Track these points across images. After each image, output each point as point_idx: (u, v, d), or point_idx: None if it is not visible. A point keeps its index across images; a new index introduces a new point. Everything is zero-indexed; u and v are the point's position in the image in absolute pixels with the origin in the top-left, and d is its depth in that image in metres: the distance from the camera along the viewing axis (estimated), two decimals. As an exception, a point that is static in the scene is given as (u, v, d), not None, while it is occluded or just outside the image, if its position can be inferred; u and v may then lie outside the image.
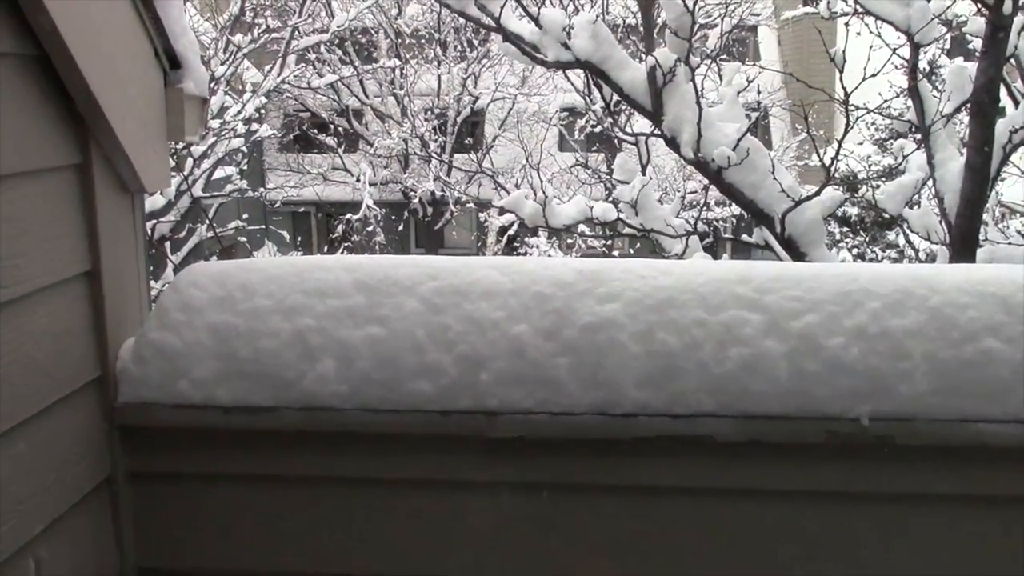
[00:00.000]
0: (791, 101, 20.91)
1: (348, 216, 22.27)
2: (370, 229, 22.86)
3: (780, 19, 26.95)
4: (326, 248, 22.42)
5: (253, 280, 1.70)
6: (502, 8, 4.27)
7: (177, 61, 1.80)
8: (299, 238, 21.36)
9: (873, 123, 16.95)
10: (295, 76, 17.71)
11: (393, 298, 1.67)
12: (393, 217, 24.68)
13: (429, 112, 25.04)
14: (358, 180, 22.89)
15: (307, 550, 1.68)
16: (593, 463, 1.66)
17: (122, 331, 1.69)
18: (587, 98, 11.40)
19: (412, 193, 24.98)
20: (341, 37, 21.90)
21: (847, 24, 4.79)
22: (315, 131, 25.41)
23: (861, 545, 1.64)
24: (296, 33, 15.63)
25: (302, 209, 24.06)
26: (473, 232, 26.40)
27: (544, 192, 4.77)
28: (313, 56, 23.19)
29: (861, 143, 17.31)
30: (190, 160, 10.66)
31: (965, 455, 1.61)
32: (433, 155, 24.28)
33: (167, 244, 10.67)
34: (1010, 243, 4.68)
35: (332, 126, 25.67)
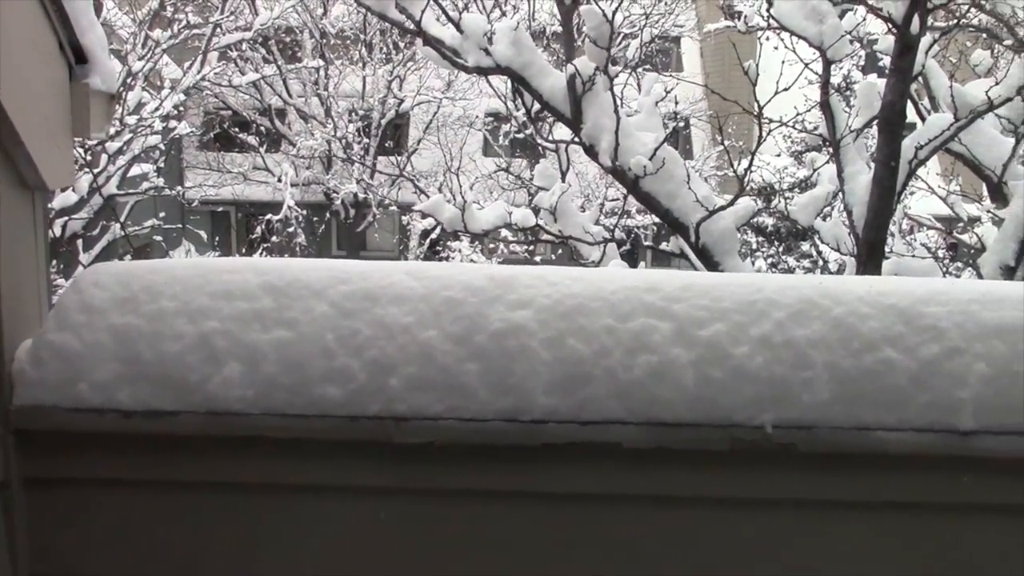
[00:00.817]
0: (711, 112, 21.29)
1: (268, 216, 21.99)
2: (291, 230, 22.61)
3: (702, 31, 27.45)
4: (245, 248, 22.08)
5: (158, 281, 1.66)
6: (423, 12, 4.27)
7: (84, 56, 1.76)
8: (217, 238, 21.00)
9: (789, 135, 17.33)
10: (216, 73, 17.46)
11: (302, 301, 1.65)
12: (315, 218, 24.45)
13: (353, 113, 24.89)
14: (279, 180, 22.63)
15: (208, 556, 1.65)
16: (502, 469, 1.66)
17: (19, 332, 1.63)
18: (507, 104, 11.43)
19: (334, 195, 24.80)
20: (265, 35, 21.63)
21: (765, 38, 4.90)
22: (236, 130, 25.06)
23: (764, 551, 1.67)
24: (218, 30, 15.40)
25: (221, 209, 23.66)
26: (396, 235, 26.31)
27: (463, 197, 4.77)
28: (235, 54, 22.87)
29: (778, 155, 17.69)
30: (104, 157, 10.40)
31: (864, 462, 1.65)
32: (356, 157, 24.12)
33: (79, 242, 10.39)
34: (914, 256, 4.82)
35: (254, 125, 25.35)
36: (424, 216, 5.31)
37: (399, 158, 24.35)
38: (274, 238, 22.37)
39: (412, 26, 4.34)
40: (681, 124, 25.34)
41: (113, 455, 1.62)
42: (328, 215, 25.19)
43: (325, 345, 1.61)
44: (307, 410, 1.59)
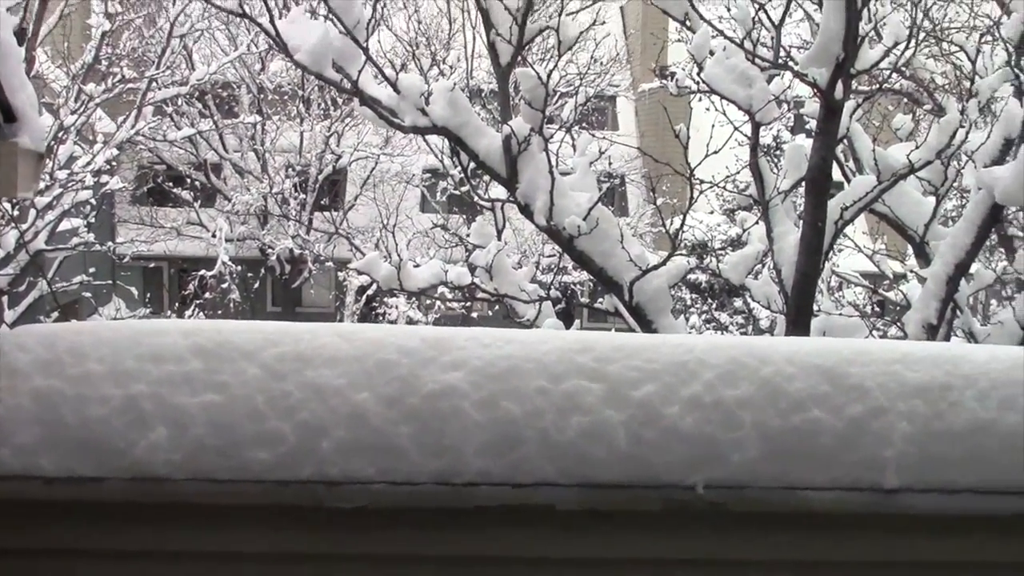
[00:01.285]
0: (646, 170, 21.64)
1: (202, 272, 21.68)
2: (225, 286, 22.32)
3: (637, 91, 27.97)
4: (177, 305, 21.71)
5: (84, 343, 1.63)
6: (360, 72, 4.30)
7: (13, 115, 1.74)
8: (149, 294, 20.62)
9: (722, 194, 17.67)
10: (151, 128, 17.29)
11: (233, 364, 1.63)
12: (249, 274, 24.16)
13: (290, 169, 24.79)
14: (214, 236, 22.37)
15: (133, 628, 1.60)
16: (434, 533, 1.64)
17: (-63, 395, 1.59)
18: (443, 162, 11.52)
19: (270, 250, 24.59)
20: (201, 90, 21.50)
21: (698, 99, 5.02)
22: (170, 184, 24.76)
23: (696, 611, 1.67)
24: (154, 84, 15.28)
25: (153, 264, 23.26)
26: (332, 291, 26.11)
27: (399, 255, 4.77)
28: (171, 108, 22.70)
29: (712, 212, 18.02)
30: (32, 212, 10.21)
31: (793, 521, 1.68)
32: (292, 213, 23.99)
33: (4, 299, 10.14)
34: (841, 313, 4.93)
35: (189, 180, 25.09)
36: (360, 273, 5.29)
37: (336, 214, 24.28)
38: (207, 294, 22.05)
39: (349, 85, 4.37)
40: (617, 182, 25.71)
41: (35, 524, 1.57)
42: (263, 271, 24.93)
43: (255, 408, 1.59)
44: (236, 475, 1.56)
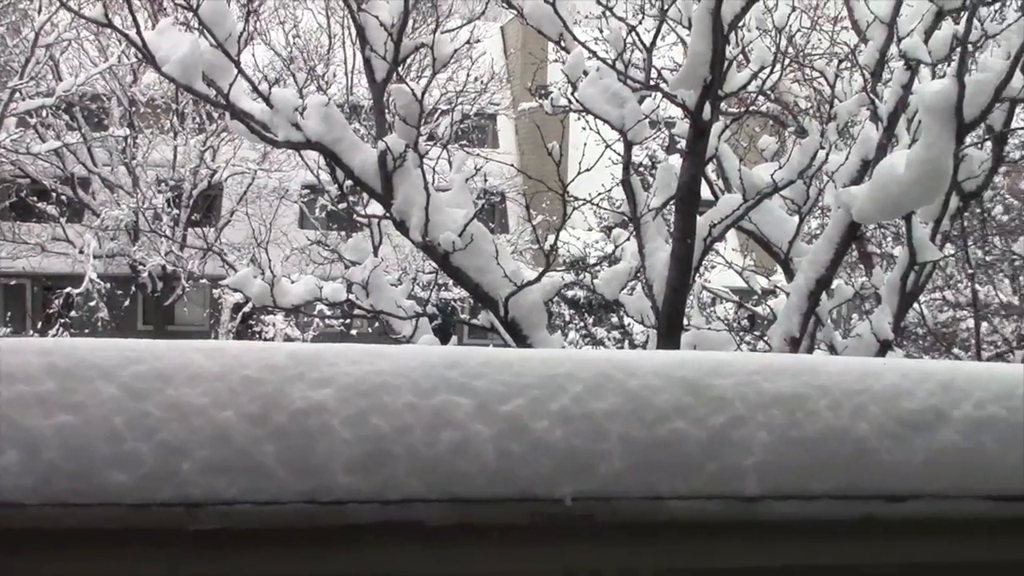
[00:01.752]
0: (526, 187, 21.86)
1: (68, 290, 20.85)
2: (93, 304, 21.50)
3: (517, 110, 28.26)
4: (41, 324, 20.82)
5: (-73, 364, 1.55)
6: (231, 85, 4.22)
7: None
8: (10, 313, 19.71)
9: (599, 212, 17.98)
10: (13, 140, 16.59)
11: (89, 384, 1.57)
12: (119, 292, 23.36)
13: (163, 184, 24.12)
14: (81, 252, 21.56)
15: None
16: (301, 553, 1.62)
17: None
18: (319, 178, 11.40)
19: (141, 267, 23.85)
20: (69, 102, 20.75)
21: (576, 119, 5.10)
22: (35, 199, 23.76)
23: (565, 623, 1.69)
24: (16, 95, 14.68)
25: (15, 282, 22.28)
26: (206, 309, 25.50)
27: (272, 271, 4.69)
28: (36, 120, 21.82)
29: (590, 230, 18.33)
30: None
31: (658, 530, 1.71)
32: (165, 228, 23.34)
33: None
34: (710, 328, 5.07)
35: (55, 194, 24.12)
36: (235, 290, 5.18)
37: (211, 230, 23.72)
38: (73, 312, 21.21)
39: (220, 99, 4.28)
40: (497, 199, 25.89)
41: None
42: (134, 288, 24.15)
43: (112, 429, 1.54)
44: (91, 499, 1.51)
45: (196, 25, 4.34)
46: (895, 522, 1.81)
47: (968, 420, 1.83)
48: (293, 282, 5.19)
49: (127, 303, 23.67)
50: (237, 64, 4.25)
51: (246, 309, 21.70)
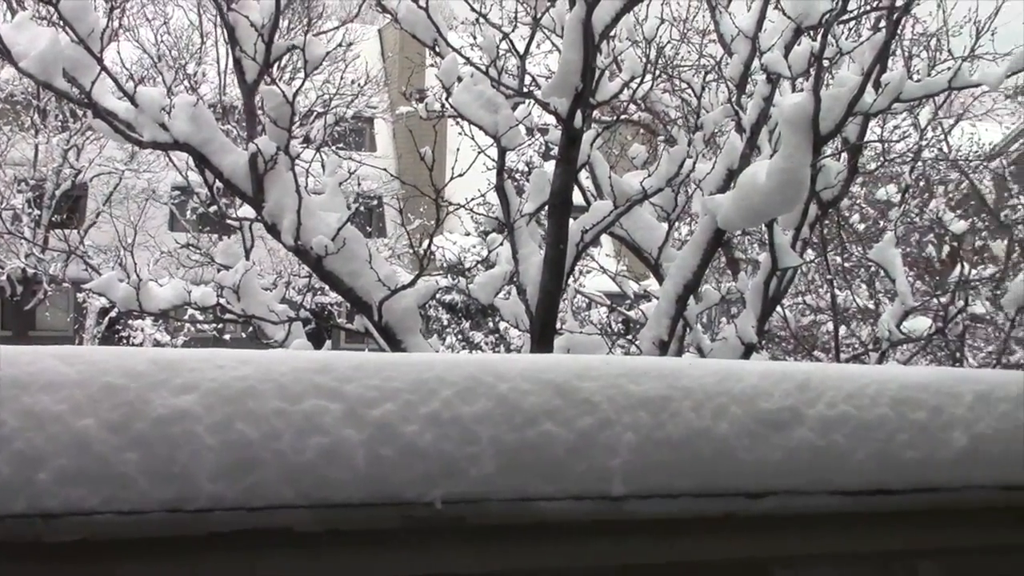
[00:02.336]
0: (403, 191, 21.77)
1: (-83, 294, 19.76)
2: (-58, 309, 20.43)
3: (395, 113, 28.10)
4: None
5: None
6: (93, 83, 4.07)
7: None
8: None
9: (476, 217, 18.03)
10: None
11: (-64, 393, 1.51)
12: (-26, 296, 22.24)
13: (23, 183, 23.06)
14: (-69, 254, 20.45)
15: None
16: (166, 563, 1.58)
17: None
18: (187, 179, 11.10)
19: (-1, 270, 22.73)
20: (-82, 96, 19.66)
21: (454, 123, 5.11)
22: None
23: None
24: None
25: None
26: (70, 314, 24.52)
27: (138, 275, 4.56)
28: None
29: (467, 234, 18.37)
30: None
31: (528, 532, 1.74)
32: (25, 230, 22.32)
33: None
34: (583, 332, 5.16)
35: (-102, 194, 22.81)
36: (100, 294, 5.01)
37: (75, 232, 22.83)
38: (-79, 319, 20.10)
39: (82, 97, 4.14)
40: (375, 203, 25.70)
41: None
42: (-9, 292, 23.05)
43: (-38, 440, 1.47)
44: (-60, 513, 1.44)
45: (57, 20, 4.19)
46: (754, 518, 1.88)
47: (821, 419, 1.92)
48: (161, 286, 5.05)
49: (-17, 308, 22.58)
50: (100, 61, 4.11)
51: (113, 314, 20.96)
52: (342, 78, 19.17)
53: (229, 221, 5.97)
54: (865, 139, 6.05)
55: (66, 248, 20.34)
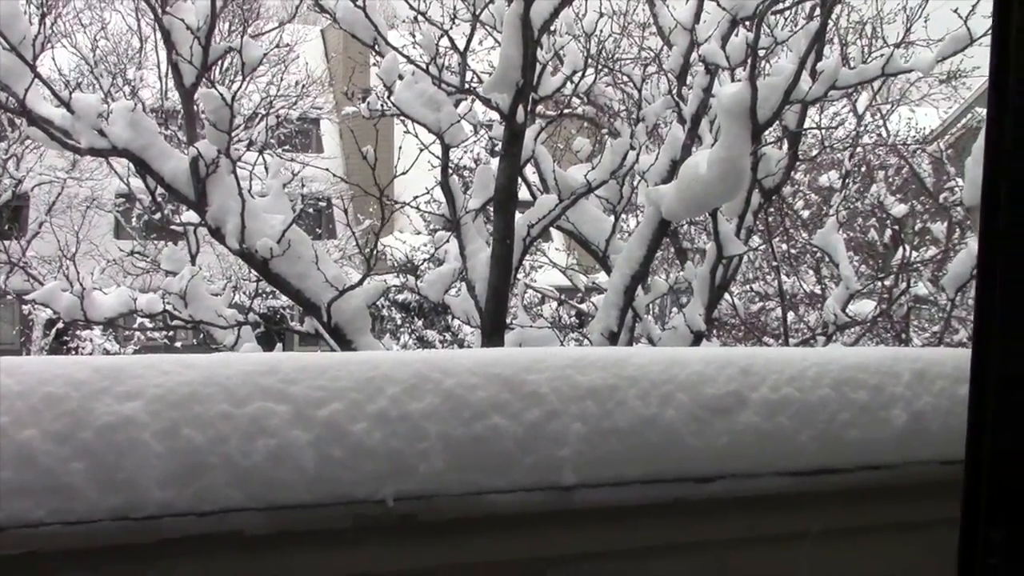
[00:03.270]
0: (351, 192, 21.64)
1: None
2: None
3: (341, 114, 27.89)
4: None
5: None
6: (27, 90, 4.01)
7: None
8: None
9: (425, 215, 17.99)
10: None
11: None
12: (-86, 312, 21.75)
13: (-39, 194, 22.53)
14: None
15: None
16: (116, 572, 1.57)
17: None
18: (129, 185, 10.96)
19: (-62, 284, 22.23)
20: None
21: (390, 123, 5.09)
22: None
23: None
24: None
25: None
26: (16, 326, 24.05)
27: (81, 284, 4.49)
28: None
29: (418, 233, 18.33)
30: None
31: (480, 525, 1.75)
32: (-36, 242, 21.82)
33: None
34: (534, 325, 5.18)
35: None
36: (44, 305, 4.94)
37: (16, 242, 22.38)
38: None
39: (15, 105, 4.06)
40: (323, 204, 25.52)
41: None
42: (-69, 307, 22.53)
43: (-100, 455, 1.45)
44: None
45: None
46: (703, 502, 1.91)
47: (765, 402, 1.96)
48: (106, 294, 4.98)
49: (-77, 324, 22.06)
50: (33, 68, 4.04)
51: (60, 325, 20.59)
52: (283, 79, 18.99)
53: (174, 227, 5.90)
54: (804, 127, 6.14)
55: (8, 260, 19.96)
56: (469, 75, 5.33)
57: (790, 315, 9.38)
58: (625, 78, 7.30)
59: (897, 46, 5.63)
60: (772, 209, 8.42)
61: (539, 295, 10.30)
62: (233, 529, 1.59)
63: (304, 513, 1.63)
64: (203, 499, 1.58)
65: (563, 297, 8.06)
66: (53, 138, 4.16)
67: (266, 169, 4.82)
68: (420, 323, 19.02)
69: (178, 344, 19.17)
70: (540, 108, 6.19)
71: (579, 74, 5.32)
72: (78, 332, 21.05)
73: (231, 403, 1.64)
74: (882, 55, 5.21)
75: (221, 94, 4.03)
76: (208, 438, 1.60)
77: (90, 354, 20.34)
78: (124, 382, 1.61)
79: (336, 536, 1.67)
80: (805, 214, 11.60)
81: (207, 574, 1.62)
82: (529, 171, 5.68)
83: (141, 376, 1.63)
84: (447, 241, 5.31)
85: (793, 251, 10.81)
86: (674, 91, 5.65)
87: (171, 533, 1.56)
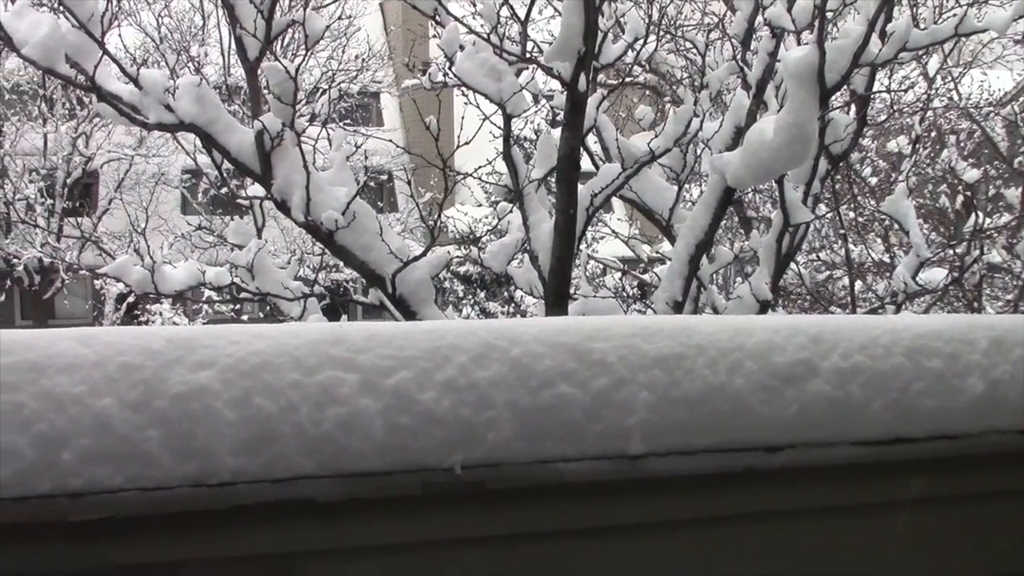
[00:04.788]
0: (412, 165, 21.75)
1: (-64, 288, 19.90)
2: (-37, 301, 20.57)
3: (400, 87, 27.99)
4: (-93, 324, 19.88)
5: None
6: (96, 67, 4.08)
7: None
8: None
9: (486, 187, 18.02)
10: None
11: (-42, 378, 1.52)
12: (-8, 288, 22.38)
13: (34, 173, 23.14)
14: (-51, 247, 20.57)
15: None
16: (192, 537, 1.60)
17: None
18: (196, 161, 11.13)
19: (15, 261, 22.88)
20: (-75, 91, 19.73)
21: (459, 94, 5.08)
22: None
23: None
24: None
25: None
26: (88, 300, 24.67)
27: (152, 257, 4.58)
28: None
29: (479, 205, 18.37)
30: None
31: (547, 493, 1.75)
32: (39, 220, 22.43)
33: None
34: (597, 296, 5.16)
35: (-86, 187, 22.92)
36: (116, 279, 5.05)
37: (88, 219, 22.92)
38: (-57, 311, 20.27)
39: (86, 82, 4.14)
40: (384, 177, 25.68)
41: None
42: (9, 283, 23.17)
43: (-15, 423, 1.49)
44: (-33, 495, 1.46)
45: (57, 6, 4.19)
46: (772, 471, 1.89)
47: (836, 370, 1.93)
48: (175, 268, 5.07)
49: (2, 299, 22.72)
50: (102, 45, 4.11)
51: (130, 299, 21.09)
52: (344, 53, 19.10)
53: (240, 201, 5.98)
54: (873, 90, 5.99)
55: (80, 235, 20.44)
56: (530, 45, 5.29)
57: (857, 284, 9.22)
58: (688, 44, 7.19)
59: (971, 5, 5.44)
60: (839, 176, 8.26)
61: (600, 266, 10.26)
62: (305, 496, 1.61)
63: (374, 480, 1.65)
64: (275, 466, 1.60)
65: (625, 267, 8.01)
66: (122, 114, 4.23)
67: (329, 142, 4.85)
68: (482, 295, 19.09)
69: (244, 317, 19.53)
70: (601, 77, 6.13)
71: (641, 41, 5.25)
72: (148, 306, 21.51)
73: (301, 372, 1.66)
74: (954, 15, 5.05)
75: (285, 67, 4.06)
76: (279, 406, 1.62)
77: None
78: (196, 352, 1.64)
79: (406, 503, 1.68)
80: (873, 181, 11.37)
81: (280, 540, 1.64)
82: (591, 141, 5.64)
83: (212, 346, 1.66)
84: (510, 212, 5.30)
85: (860, 219, 10.60)
86: (738, 56, 5.55)
87: (245, 499, 1.59)
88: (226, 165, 4.92)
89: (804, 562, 1.92)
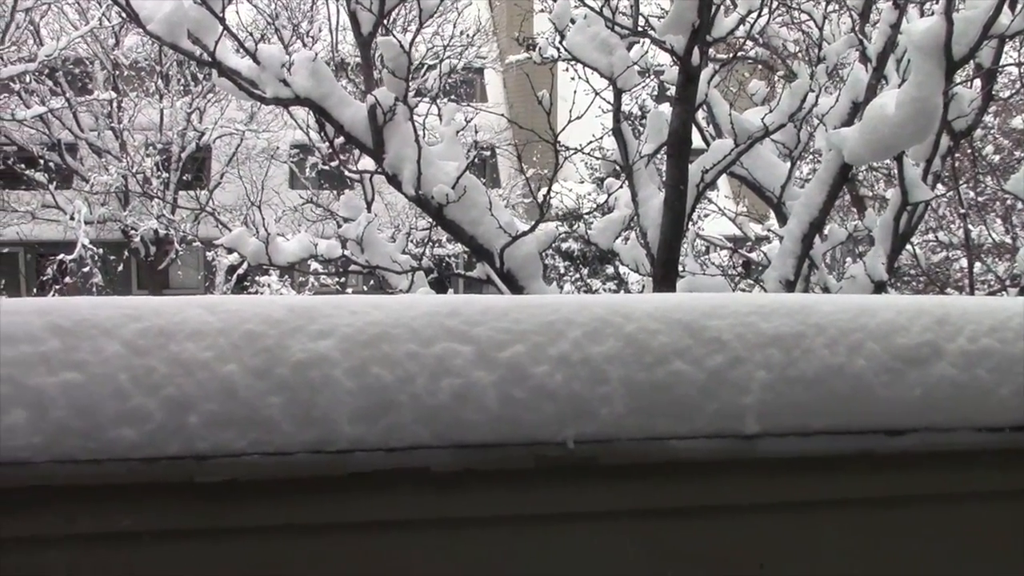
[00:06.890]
0: (516, 141, 21.77)
1: (61, 257, 20.77)
2: (86, 270, 21.45)
3: (505, 62, 28.01)
4: (36, 291, 20.81)
5: (-70, 327, 1.56)
6: (217, 43, 4.18)
7: None
8: (3, 281, 19.64)
9: (591, 164, 17.94)
10: (-3, 106, 16.46)
11: (92, 341, 1.58)
12: (112, 257, 23.31)
13: (151, 147, 23.94)
14: (72, 218, 21.44)
15: (-3, 618, 1.55)
16: (309, 502, 1.64)
17: None
18: (308, 135, 11.35)
19: (133, 232, 23.77)
20: (51, 67, 20.53)
21: (565, 69, 5.05)
22: (22, 166, 23.57)
23: (572, 564, 1.72)
24: (-2, 61, 14.56)
25: (7, 250, 22.18)
26: (200, 271, 25.50)
27: (266, 229, 4.69)
28: (19, 86, 21.61)
29: (582, 182, 18.29)
30: None
31: (659, 470, 1.74)
32: (155, 192, 23.21)
33: None
34: (705, 273, 5.09)
35: (42, 161, 23.94)
36: (229, 251, 5.19)
37: (201, 192, 23.62)
38: (68, 279, 21.16)
39: (207, 57, 4.25)
40: (488, 153, 25.79)
41: None
42: (127, 253, 24.08)
43: (118, 386, 1.55)
44: (101, 454, 1.52)
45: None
46: (893, 456, 1.83)
47: (962, 353, 1.85)
48: (287, 240, 5.18)
49: (120, 268, 23.62)
50: (222, 20, 4.21)
51: (240, 271, 21.68)
52: (454, 28, 19.20)
53: (349, 175, 6.07)
54: (1000, 64, 5.73)
55: (195, 207, 21.07)
56: (640, 19, 5.22)
57: (976, 266, 8.88)
58: (803, 17, 6.99)
59: (1110, -27, 5.15)
60: (958, 154, 7.95)
61: (705, 244, 10.12)
62: (420, 465, 1.63)
63: (487, 452, 1.66)
64: (391, 435, 1.62)
65: (732, 246, 7.89)
66: (241, 88, 4.34)
67: (439, 117, 4.88)
68: (585, 272, 19.04)
69: (349, 290, 19.88)
70: (712, 51, 6.02)
71: (754, 14, 5.12)
72: (257, 277, 22.09)
73: (417, 343, 1.67)
74: (1093, -16, 4.78)
75: (399, 41, 4.09)
76: (396, 376, 1.64)
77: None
78: (316, 321, 1.67)
79: (518, 476, 1.69)
80: (995, 159, 10.91)
81: (394, 507, 1.66)
82: (699, 116, 5.55)
83: (332, 316, 1.69)
84: (619, 188, 5.26)
85: (980, 198, 10.20)
86: (857, 29, 5.38)
87: (361, 467, 1.62)
88: (339, 139, 5.00)
89: (922, 549, 1.86)
